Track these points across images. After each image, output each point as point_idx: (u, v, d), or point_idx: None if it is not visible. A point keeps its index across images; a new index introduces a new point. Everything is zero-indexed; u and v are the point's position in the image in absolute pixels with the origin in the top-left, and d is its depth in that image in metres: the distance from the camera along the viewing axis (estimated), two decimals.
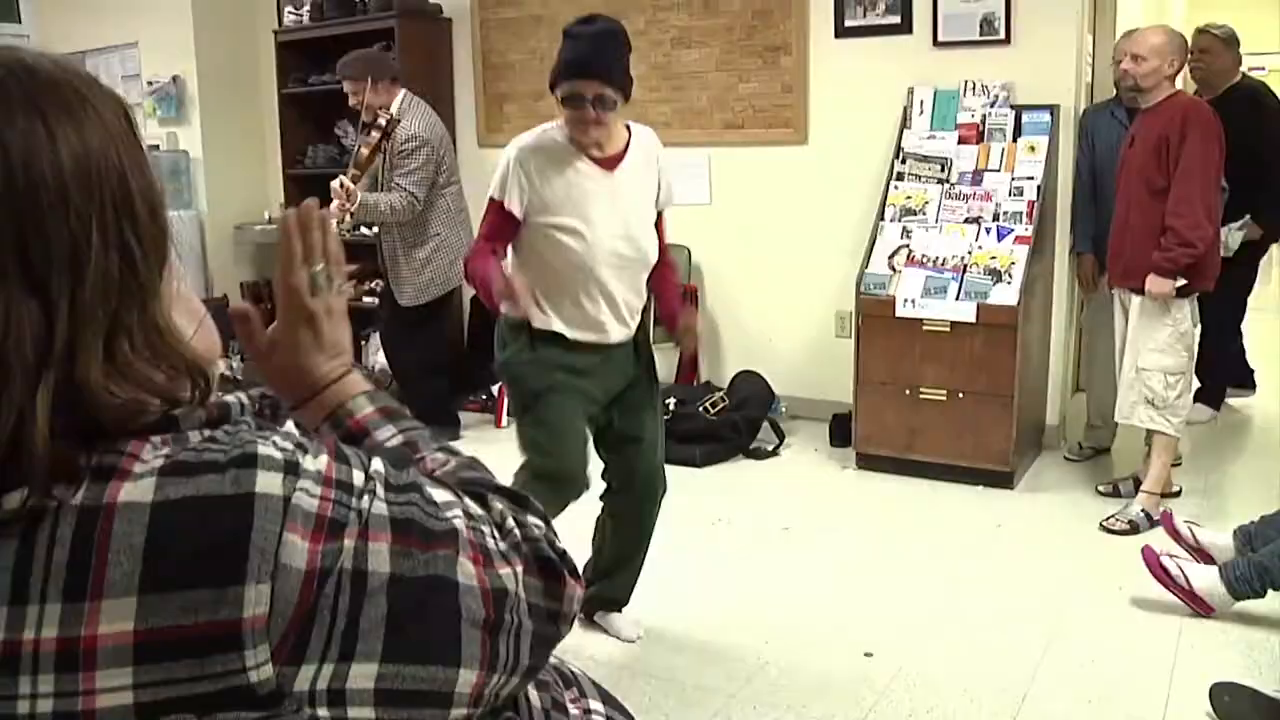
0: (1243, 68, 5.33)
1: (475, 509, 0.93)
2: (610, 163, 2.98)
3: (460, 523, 0.90)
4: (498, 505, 0.96)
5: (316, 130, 6.74)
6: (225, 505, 0.79)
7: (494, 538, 0.92)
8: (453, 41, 6.35)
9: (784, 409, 5.41)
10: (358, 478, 0.86)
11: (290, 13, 6.73)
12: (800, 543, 4.08)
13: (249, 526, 0.79)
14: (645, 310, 3.17)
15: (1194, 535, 3.62)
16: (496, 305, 2.87)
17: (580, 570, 0.98)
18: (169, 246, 0.89)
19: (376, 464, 0.89)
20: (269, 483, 0.80)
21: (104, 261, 0.81)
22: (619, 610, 3.38)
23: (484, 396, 5.96)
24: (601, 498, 3.26)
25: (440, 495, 0.92)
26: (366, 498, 0.85)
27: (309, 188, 6.70)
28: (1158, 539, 3.83)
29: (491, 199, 2.99)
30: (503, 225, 2.97)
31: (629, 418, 3.15)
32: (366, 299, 6.36)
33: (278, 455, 0.83)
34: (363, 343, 6.48)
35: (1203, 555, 3.55)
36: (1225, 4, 10.91)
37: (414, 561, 0.85)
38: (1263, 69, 13.27)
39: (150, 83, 7.41)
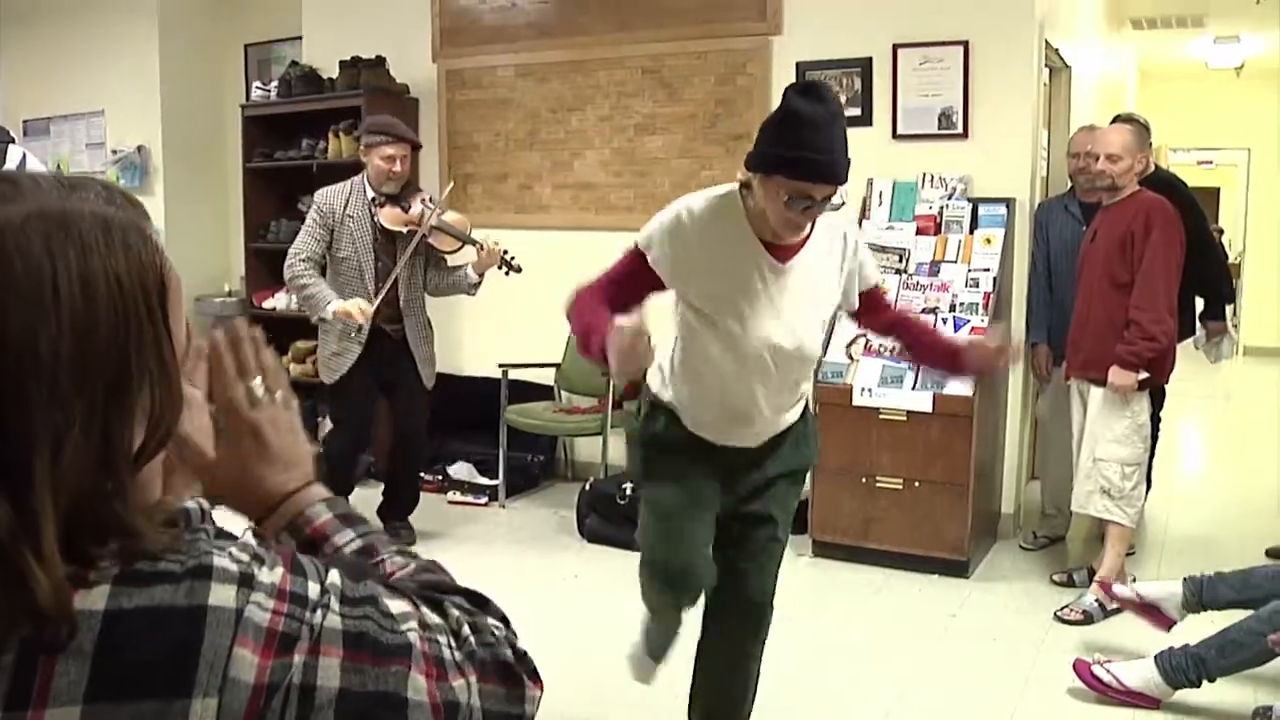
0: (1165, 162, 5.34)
1: (432, 618, 0.92)
2: (786, 252, 2.55)
3: (415, 636, 0.89)
4: (454, 612, 0.95)
5: (280, 205, 6.75)
6: (177, 617, 0.78)
7: (450, 647, 0.91)
8: (419, 122, 6.40)
9: None
10: (313, 590, 0.85)
11: (258, 88, 6.77)
12: None
13: (200, 639, 0.78)
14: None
15: (1138, 594, 3.64)
16: (603, 355, 2.34)
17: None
18: (165, 437, 0.86)
19: (333, 576, 0.88)
20: (222, 595, 0.80)
21: (83, 447, 0.79)
22: None
23: (439, 476, 5.91)
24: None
25: (397, 606, 0.90)
26: (320, 611, 0.84)
27: (271, 262, 6.73)
28: (1113, 629, 3.85)
29: (633, 246, 2.56)
30: (631, 278, 2.54)
31: (758, 496, 2.78)
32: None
33: (233, 568, 0.82)
34: (319, 419, 6.41)
35: (1150, 611, 3.59)
36: (1174, 101, 11.24)
37: (364, 677, 0.84)
38: (1210, 163, 13.65)
39: (115, 151, 7.42)
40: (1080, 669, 3.47)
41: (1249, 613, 3.28)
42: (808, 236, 2.57)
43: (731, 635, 2.90)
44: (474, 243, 4.86)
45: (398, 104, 6.29)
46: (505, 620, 0.98)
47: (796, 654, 3.85)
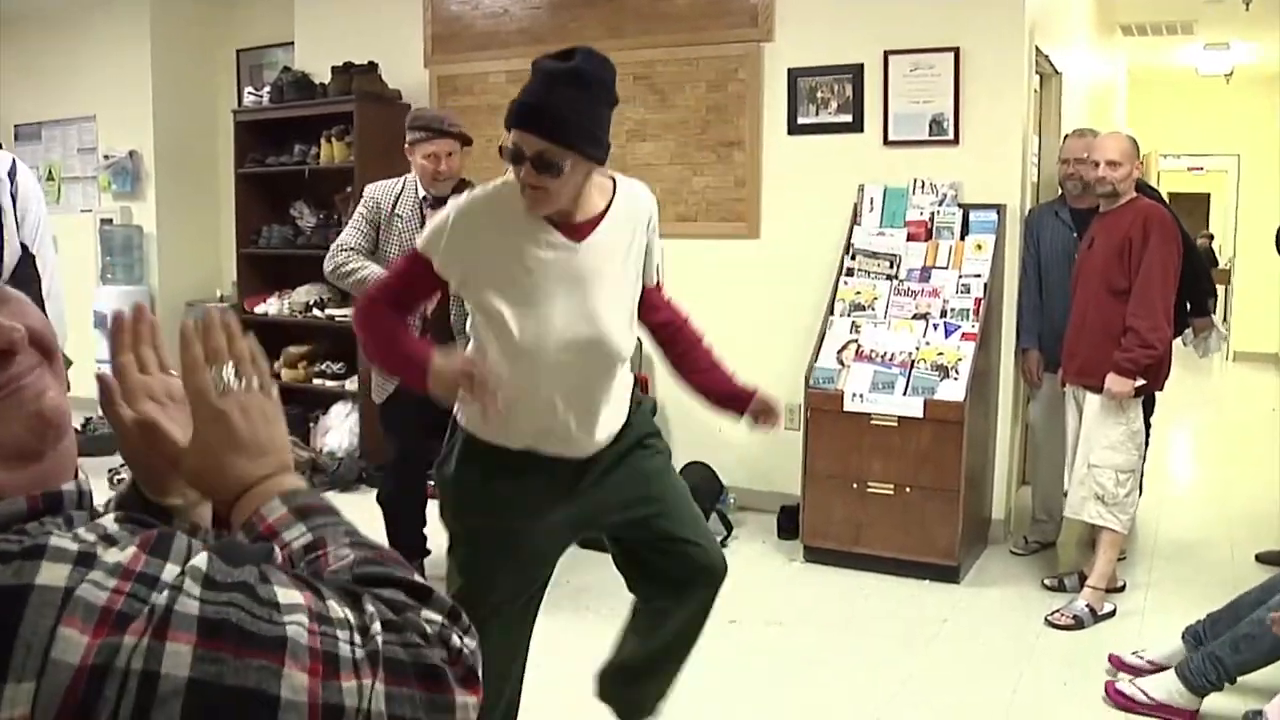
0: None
1: (335, 612, 0.84)
2: (579, 230, 2.33)
3: (297, 629, 0.81)
4: (371, 608, 0.86)
5: (272, 211, 6.75)
6: (1, 597, 0.75)
7: (351, 644, 0.83)
8: None
9: (732, 500, 5.41)
10: (167, 572, 0.80)
11: (250, 93, 6.77)
12: (746, 636, 4.06)
13: (18, 620, 0.74)
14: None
15: (1146, 661, 3.60)
16: (425, 384, 2.27)
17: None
18: None
19: (199, 560, 0.83)
20: (53, 574, 0.76)
21: None
22: None
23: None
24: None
25: (286, 596, 0.83)
26: (168, 593, 0.79)
27: (263, 267, 6.74)
28: (1103, 634, 3.86)
29: (413, 250, 2.40)
30: (413, 281, 2.41)
31: (648, 515, 2.57)
32: (317, 380, 6.40)
33: (72, 547, 0.78)
34: (311, 424, 6.43)
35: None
36: (1164, 108, 11.28)
37: (222, 668, 0.77)
38: (1200, 169, 13.70)
39: (106, 156, 7.43)
40: (1111, 694, 3.45)
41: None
42: (604, 212, 2.37)
43: (691, 618, 2.71)
44: None
45: (389, 110, 6.29)
46: (454, 614, 0.90)
47: (787, 658, 3.86)
